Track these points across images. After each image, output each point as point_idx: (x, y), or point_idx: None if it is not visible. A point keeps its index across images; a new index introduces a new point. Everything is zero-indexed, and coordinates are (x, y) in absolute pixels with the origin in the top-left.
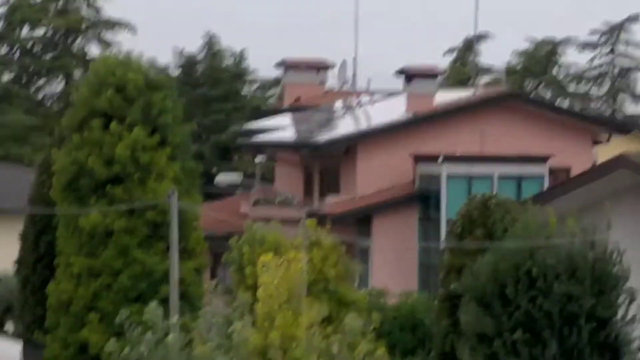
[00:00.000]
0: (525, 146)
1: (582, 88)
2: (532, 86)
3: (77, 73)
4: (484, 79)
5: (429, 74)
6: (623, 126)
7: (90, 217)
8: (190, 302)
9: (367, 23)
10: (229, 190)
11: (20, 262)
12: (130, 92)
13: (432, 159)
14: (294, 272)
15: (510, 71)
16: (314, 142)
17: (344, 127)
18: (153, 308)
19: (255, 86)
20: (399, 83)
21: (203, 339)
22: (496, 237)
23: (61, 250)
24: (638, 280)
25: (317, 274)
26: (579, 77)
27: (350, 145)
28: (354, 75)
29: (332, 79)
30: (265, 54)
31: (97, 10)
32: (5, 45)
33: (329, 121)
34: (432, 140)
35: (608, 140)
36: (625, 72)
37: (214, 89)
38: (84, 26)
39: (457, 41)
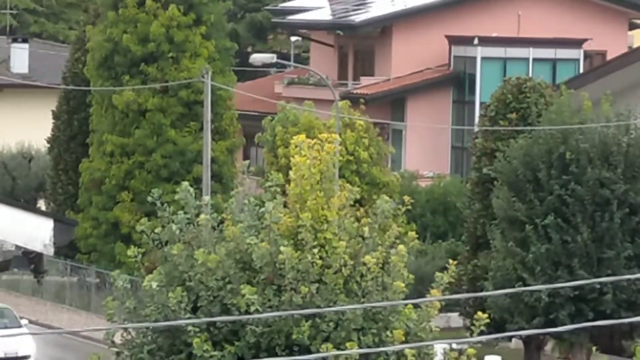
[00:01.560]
0: (561, 29)
1: None
2: None
3: None
4: None
5: None
6: None
7: (124, 95)
8: (222, 182)
9: None
10: (263, 70)
11: (53, 140)
12: None
13: (467, 41)
14: (326, 154)
15: None
16: (349, 22)
17: (380, 7)
18: (185, 187)
19: None
20: None
21: (235, 220)
22: (530, 121)
23: (95, 128)
24: None
25: (350, 155)
26: None
27: (386, 26)
28: None
29: None
30: None
31: None
32: None
33: (364, 1)
34: (468, 23)
35: None
36: None
37: None
38: None
39: None
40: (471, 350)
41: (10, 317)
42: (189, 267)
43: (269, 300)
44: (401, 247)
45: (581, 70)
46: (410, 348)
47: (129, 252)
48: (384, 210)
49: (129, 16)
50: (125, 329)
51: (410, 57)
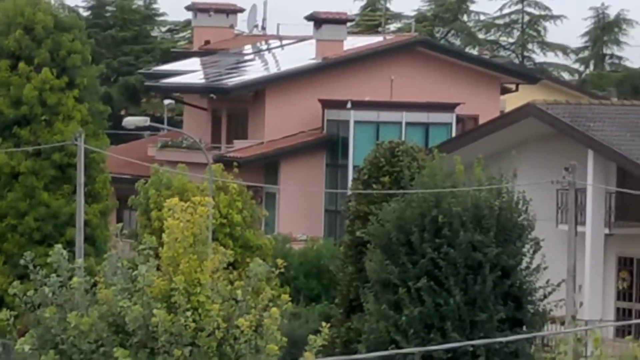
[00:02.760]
0: (433, 94)
1: (492, 36)
2: (442, 34)
3: None
4: (394, 26)
5: (338, 20)
6: (532, 75)
7: None
8: (95, 245)
9: None
10: (136, 133)
11: None
12: (38, 33)
13: (340, 104)
14: (199, 217)
15: (420, 18)
16: (222, 86)
17: (253, 71)
18: (58, 250)
19: (165, 29)
20: (309, 28)
21: (108, 282)
22: (403, 185)
23: None
24: (543, 230)
25: (223, 218)
26: (488, 25)
27: (259, 90)
28: (264, 19)
29: (242, 23)
30: None
31: None
32: None
33: (237, 65)
34: (341, 86)
35: (516, 89)
36: (535, 21)
37: (123, 31)
38: None
39: None
40: None
41: None
42: (62, 330)
43: None
44: (274, 310)
45: (454, 134)
46: None
47: (1, 315)
48: (257, 273)
49: (1, 79)
50: None
51: (284, 120)
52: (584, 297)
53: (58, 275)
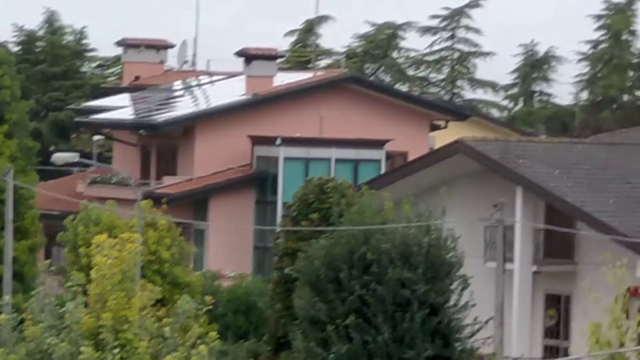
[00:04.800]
0: (363, 130)
1: (422, 73)
2: (372, 70)
3: None
4: (324, 62)
5: (268, 56)
6: (461, 112)
7: None
8: (23, 281)
9: (208, 3)
10: (65, 169)
11: None
12: None
13: (270, 140)
14: (127, 253)
15: (350, 54)
16: (151, 122)
17: (183, 107)
18: None
19: (95, 64)
20: (239, 64)
21: (35, 319)
22: (331, 221)
23: None
24: (471, 267)
25: (152, 255)
26: (418, 62)
27: (189, 126)
28: (194, 55)
29: (172, 59)
30: (106, 32)
31: None
32: None
33: (167, 101)
34: (271, 123)
35: (446, 125)
36: (464, 58)
37: (53, 66)
38: None
39: (298, 23)
40: None
41: None
42: None
43: None
44: (202, 347)
45: (383, 171)
46: None
47: None
48: (185, 310)
49: None
50: None
51: (213, 156)
52: (511, 334)
53: None
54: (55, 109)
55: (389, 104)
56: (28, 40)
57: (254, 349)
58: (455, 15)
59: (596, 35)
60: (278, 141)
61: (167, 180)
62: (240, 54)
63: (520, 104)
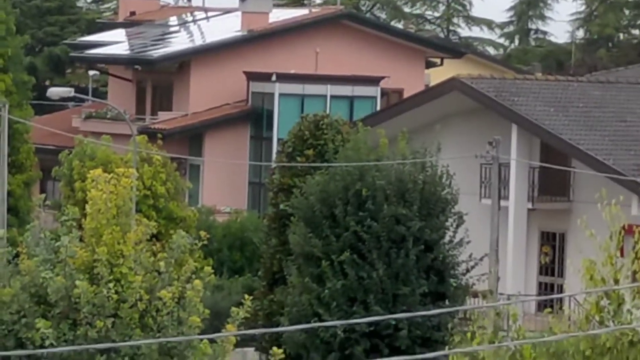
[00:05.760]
0: (358, 67)
1: (417, 10)
2: (367, 7)
3: None
4: None
5: None
6: (457, 49)
7: None
8: (18, 215)
9: None
10: (60, 104)
11: None
12: None
13: (265, 77)
14: (123, 188)
15: None
16: (147, 57)
17: (178, 43)
18: None
19: None
20: (235, 0)
21: (30, 253)
22: (327, 158)
23: None
24: (466, 204)
25: (147, 190)
26: None
27: (184, 62)
28: None
29: None
30: None
31: None
32: None
33: (163, 37)
34: (267, 59)
35: (441, 63)
36: None
37: (48, 1)
38: None
39: None
40: None
41: None
42: None
43: (64, 334)
44: (197, 282)
45: (378, 108)
46: None
47: None
48: (180, 245)
49: None
50: None
51: (209, 92)
52: (506, 271)
53: None
54: (50, 44)
55: (385, 41)
56: None
57: (249, 284)
58: None
59: None
60: (273, 77)
61: (163, 115)
62: None
63: (516, 42)
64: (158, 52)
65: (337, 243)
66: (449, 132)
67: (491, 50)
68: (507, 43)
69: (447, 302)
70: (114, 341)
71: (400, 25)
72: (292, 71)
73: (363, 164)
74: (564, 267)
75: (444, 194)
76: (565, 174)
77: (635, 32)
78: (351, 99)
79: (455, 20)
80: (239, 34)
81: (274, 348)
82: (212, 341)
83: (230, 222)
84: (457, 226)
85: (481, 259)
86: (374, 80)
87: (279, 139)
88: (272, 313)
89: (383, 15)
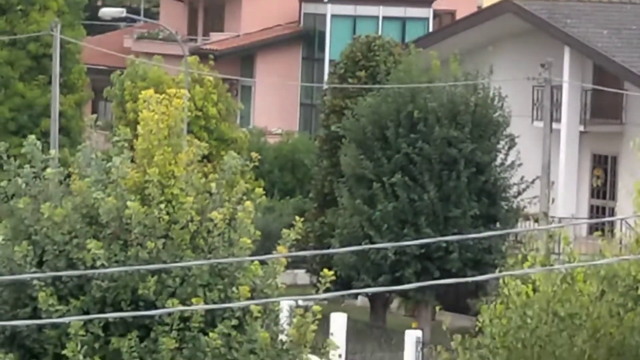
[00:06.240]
0: None
1: None
2: None
3: None
4: None
5: None
6: None
7: None
8: (70, 136)
9: None
10: (112, 24)
11: None
12: None
13: None
14: (174, 109)
15: None
16: None
17: None
18: (32, 141)
19: None
20: None
21: (82, 174)
22: (379, 79)
23: None
24: (518, 127)
25: (198, 111)
26: None
27: None
28: None
29: None
30: None
31: None
32: None
33: None
34: None
35: None
36: None
37: None
38: None
39: None
40: (317, 308)
41: None
42: (35, 221)
43: (115, 255)
44: (248, 203)
45: (430, 30)
46: (256, 304)
47: None
48: (231, 166)
49: None
50: None
51: (261, 13)
52: (557, 194)
53: (32, 166)
54: None
55: None
56: None
57: (300, 206)
58: None
59: None
60: None
61: (214, 36)
62: None
63: None
64: None
65: (388, 165)
66: (501, 54)
67: None
68: None
69: (498, 224)
70: (164, 262)
71: None
72: None
73: (415, 86)
74: (615, 190)
75: (495, 116)
76: (618, 97)
77: None
78: (403, 20)
79: None
80: None
81: (325, 270)
82: (262, 263)
83: (281, 144)
84: (509, 149)
85: (532, 182)
86: (426, 2)
87: (330, 60)
88: (323, 235)
89: None
